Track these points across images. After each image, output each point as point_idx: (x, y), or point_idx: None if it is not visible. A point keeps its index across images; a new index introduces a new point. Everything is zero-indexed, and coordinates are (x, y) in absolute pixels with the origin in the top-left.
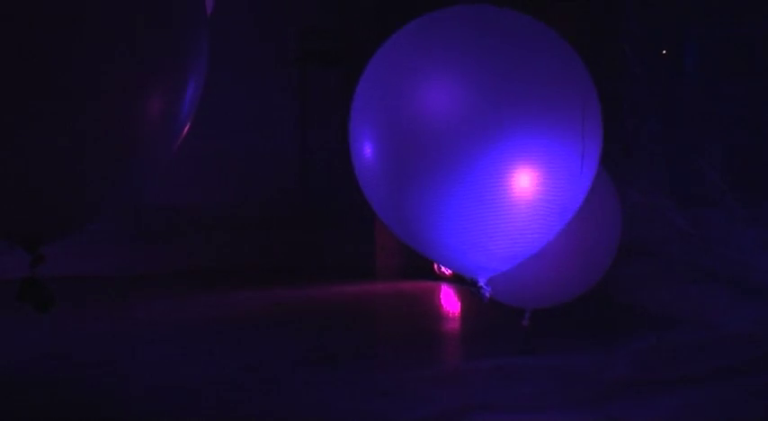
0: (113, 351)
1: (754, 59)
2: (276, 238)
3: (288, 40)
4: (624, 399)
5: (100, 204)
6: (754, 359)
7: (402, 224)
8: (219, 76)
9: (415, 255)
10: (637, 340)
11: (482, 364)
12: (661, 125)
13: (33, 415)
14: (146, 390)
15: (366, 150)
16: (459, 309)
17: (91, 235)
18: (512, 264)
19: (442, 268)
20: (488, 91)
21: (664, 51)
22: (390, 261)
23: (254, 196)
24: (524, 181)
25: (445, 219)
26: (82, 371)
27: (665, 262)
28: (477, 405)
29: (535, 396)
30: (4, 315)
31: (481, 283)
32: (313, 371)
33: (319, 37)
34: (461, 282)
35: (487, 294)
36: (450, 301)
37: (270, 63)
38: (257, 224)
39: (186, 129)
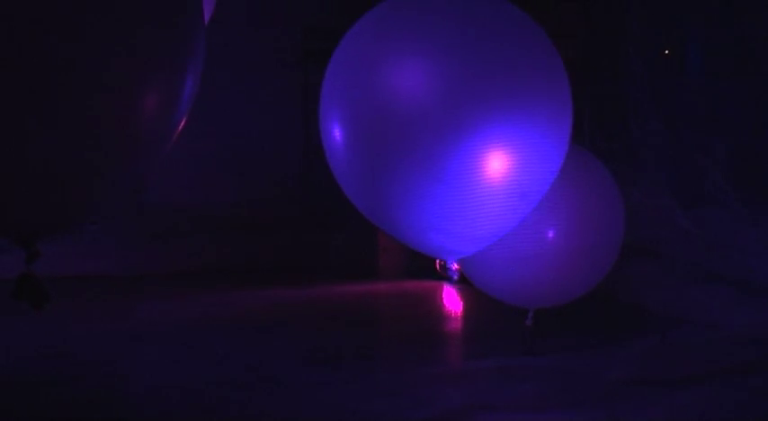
0: (114, 350)
1: (756, 59)
2: (278, 238)
3: (290, 39)
4: (626, 400)
5: (96, 201)
6: (757, 359)
7: (372, 208)
8: (221, 76)
9: (418, 255)
10: (639, 340)
11: (484, 364)
12: (664, 125)
13: (33, 414)
14: (146, 390)
15: (335, 134)
16: (461, 309)
17: (92, 235)
18: (477, 248)
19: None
20: (453, 75)
21: (666, 51)
22: (393, 261)
23: (256, 196)
24: (485, 164)
25: (407, 201)
26: (82, 370)
27: (667, 262)
28: (479, 405)
29: (537, 396)
30: (5, 314)
31: (449, 265)
32: (314, 371)
33: (321, 36)
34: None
35: (456, 276)
36: (452, 301)
37: (272, 63)
38: (259, 224)
39: (182, 125)
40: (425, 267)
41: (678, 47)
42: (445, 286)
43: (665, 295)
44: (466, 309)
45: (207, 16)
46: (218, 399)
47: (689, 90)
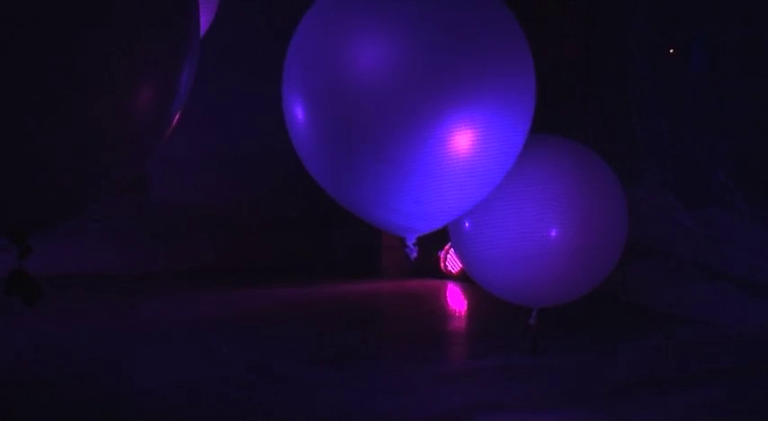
0: (114, 350)
1: (761, 58)
2: (281, 237)
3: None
4: (630, 399)
5: (87, 197)
6: (760, 359)
7: (333, 186)
8: (223, 75)
9: (422, 253)
10: (642, 340)
11: (487, 363)
12: (667, 124)
13: (33, 414)
14: (146, 390)
15: (297, 113)
16: (464, 308)
17: (92, 234)
18: (435, 225)
19: (448, 266)
20: (411, 55)
21: (670, 50)
22: (396, 259)
23: (257, 195)
24: (441, 144)
25: (363, 179)
26: (82, 370)
27: (671, 261)
28: (482, 404)
29: (540, 395)
30: (4, 313)
31: (408, 243)
32: (317, 370)
33: None
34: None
35: (413, 254)
36: (455, 300)
37: (273, 62)
38: (261, 223)
39: (176, 120)
40: (429, 266)
41: (682, 46)
42: (449, 285)
43: (668, 294)
44: (469, 308)
45: (208, 22)
46: (219, 399)
47: (693, 89)
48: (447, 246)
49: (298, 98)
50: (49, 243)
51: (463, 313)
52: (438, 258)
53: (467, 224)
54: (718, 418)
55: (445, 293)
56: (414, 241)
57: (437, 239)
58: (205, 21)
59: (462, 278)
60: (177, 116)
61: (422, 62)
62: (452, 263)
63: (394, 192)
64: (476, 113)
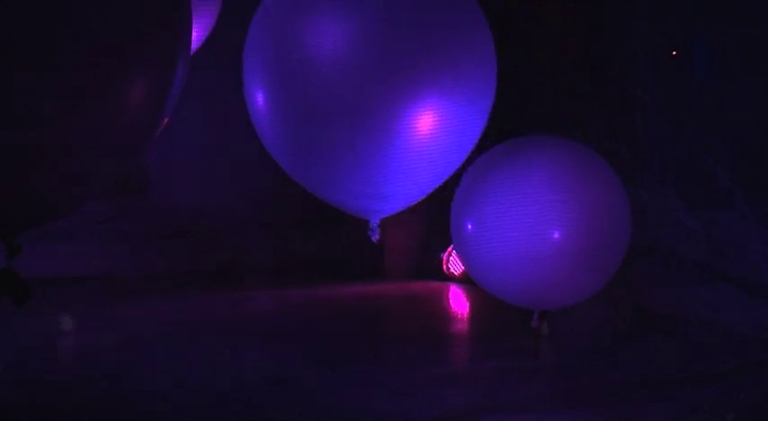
0: (114, 351)
1: (762, 59)
2: (283, 238)
3: None
4: (632, 400)
5: (78, 195)
6: (762, 360)
7: (297, 171)
8: (222, 75)
9: (425, 255)
10: (643, 340)
11: (489, 365)
12: (670, 125)
13: (33, 415)
14: (146, 390)
15: (258, 98)
16: (467, 310)
17: (94, 235)
18: (396, 208)
19: (451, 268)
20: (372, 42)
21: (673, 51)
22: (399, 261)
23: (257, 196)
24: (397, 128)
25: (326, 164)
26: (84, 370)
27: (672, 261)
28: (484, 406)
29: (543, 397)
30: (7, 314)
31: (372, 225)
32: (319, 371)
33: None
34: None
35: (376, 236)
36: (458, 302)
37: None
38: (263, 224)
39: (165, 122)
40: (431, 268)
41: (685, 47)
42: (451, 287)
43: (671, 295)
44: (471, 310)
45: (210, 25)
46: (219, 399)
47: (695, 90)
48: (449, 248)
49: (258, 84)
50: (50, 244)
51: (465, 315)
52: (440, 260)
53: (469, 226)
54: (718, 418)
55: (447, 295)
56: (377, 222)
57: (440, 241)
58: (207, 23)
59: (465, 280)
60: (167, 117)
61: (381, 48)
62: (455, 265)
63: (357, 176)
64: (434, 99)
